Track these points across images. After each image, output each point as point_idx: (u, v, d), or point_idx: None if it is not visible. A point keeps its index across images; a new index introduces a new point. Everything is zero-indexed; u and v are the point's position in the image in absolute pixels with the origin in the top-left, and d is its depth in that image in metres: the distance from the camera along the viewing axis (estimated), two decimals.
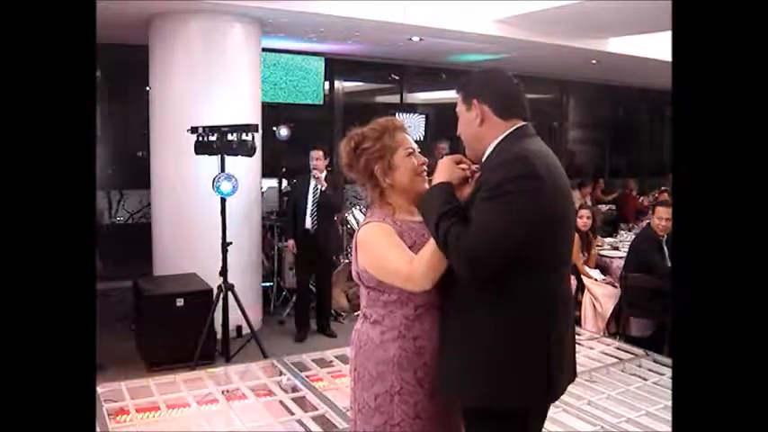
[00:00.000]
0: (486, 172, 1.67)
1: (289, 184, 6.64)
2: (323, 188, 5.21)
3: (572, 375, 1.82)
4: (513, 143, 1.68)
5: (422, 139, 7.62)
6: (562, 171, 1.70)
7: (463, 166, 1.76)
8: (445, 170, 1.74)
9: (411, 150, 1.88)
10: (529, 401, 1.68)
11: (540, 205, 1.57)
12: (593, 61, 7.07)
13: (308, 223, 5.28)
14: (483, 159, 1.73)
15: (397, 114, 6.70)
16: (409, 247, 1.75)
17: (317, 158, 5.21)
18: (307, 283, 5.44)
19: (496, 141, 1.70)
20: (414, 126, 7.51)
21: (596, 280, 5.05)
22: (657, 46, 6.58)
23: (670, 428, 2.44)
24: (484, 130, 1.72)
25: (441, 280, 1.66)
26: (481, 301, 1.65)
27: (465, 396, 1.71)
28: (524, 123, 1.73)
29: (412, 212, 1.84)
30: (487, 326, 1.64)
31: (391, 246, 1.75)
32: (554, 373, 1.67)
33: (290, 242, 5.36)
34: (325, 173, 5.25)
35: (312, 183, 5.28)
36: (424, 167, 1.88)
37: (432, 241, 1.65)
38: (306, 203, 5.28)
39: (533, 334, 1.65)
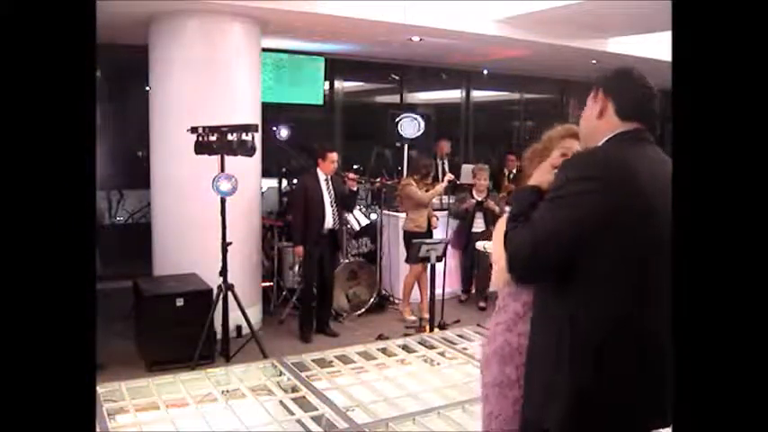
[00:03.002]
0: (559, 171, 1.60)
1: (289, 185, 6.64)
2: (349, 190, 5.48)
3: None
4: (615, 144, 1.58)
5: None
6: (663, 187, 1.43)
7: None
8: (538, 173, 1.73)
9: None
10: None
11: (598, 209, 1.46)
12: (593, 61, 7.07)
13: (330, 223, 5.32)
14: None
15: (396, 114, 6.71)
16: None
17: (336, 161, 5.39)
18: (314, 284, 5.44)
19: (605, 139, 1.61)
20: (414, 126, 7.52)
21: None
22: (657, 46, 6.59)
23: (670, 428, 2.43)
24: (600, 125, 1.63)
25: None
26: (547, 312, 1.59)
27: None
28: (639, 127, 1.60)
29: None
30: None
31: None
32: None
33: (299, 249, 5.30)
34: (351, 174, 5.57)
35: (324, 183, 5.31)
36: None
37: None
38: (323, 203, 5.30)
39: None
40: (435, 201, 5.97)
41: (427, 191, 5.81)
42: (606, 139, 1.60)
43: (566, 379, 1.49)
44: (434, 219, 5.96)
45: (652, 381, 1.51)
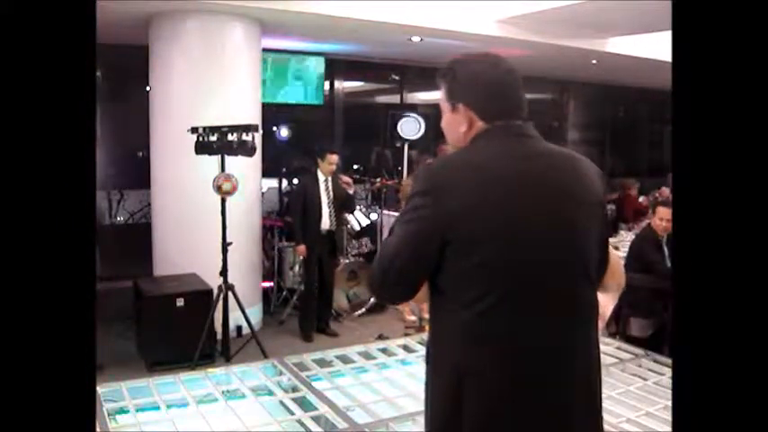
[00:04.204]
0: None
1: (290, 185, 6.64)
2: (346, 193, 5.49)
3: None
4: (466, 150, 1.50)
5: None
6: (521, 184, 1.40)
7: None
8: None
9: None
10: None
11: (433, 224, 1.37)
12: (593, 61, 7.08)
13: (327, 224, 5.31)
14: None
15: (396, 114, 6.71)
16: None
17: (336, 162, 5.39)
18: (314, 284, 5.44)
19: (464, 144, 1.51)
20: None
21: None
22: (657, 46, 6.59)
23: (670, 428, 2.43)
24: (471, 135, 1.51)
25: None
26: None
27: None
28: (501, 124, 1.47)
29: None
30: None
31: None
32: None
33: (301, 247, 5.32)
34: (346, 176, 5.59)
35: (323, 184, 5.31)
36: None
37: None
38: (320, 205, 5.30)
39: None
40: None
41: None
42: (469, 141, 1.51)
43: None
44: None
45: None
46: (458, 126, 1.52)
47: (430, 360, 1.53)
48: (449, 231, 1.36)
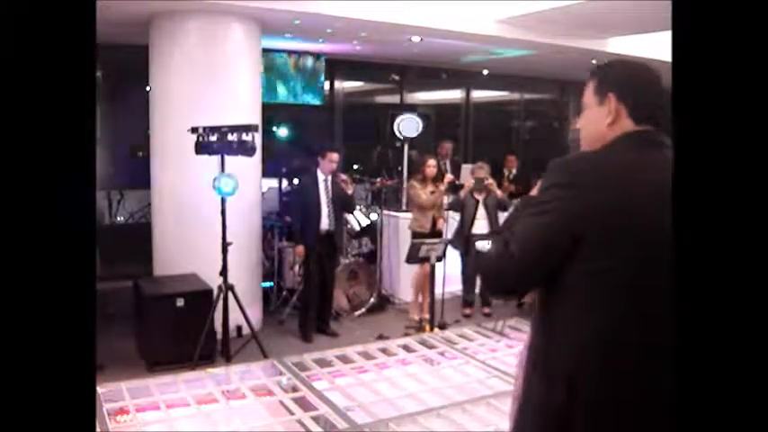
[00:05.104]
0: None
1: (290, 185, 6.64)
2: (349, 191, 5.45)
3: None
4: (612, 148, 1.46)
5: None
6: (658, 192, 1.34)
7: None
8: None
9: None
10: None
11: (569, 216, 1.35)
12: (593, 61, 7.07)
13: (326, 224, 5.31)
14: None
15: (396, 114, 6.71)
16: None
17: (336, 161, 5.37)
18: (314, 284, 5.43)
19: (607, 142, 1.47)
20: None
21: None
22: (657, 46, 6.59)
23: None
24: (612, 132, 1.47)
25: None
26: None
27: None
28: (649, 129, 1.45)
29: None
30: None
31: None
32: None
33: (300, 248, 5.30)
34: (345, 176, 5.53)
35: (322, 184, 5.31)
36: None
37: None
38: (320, 204, 5.30)
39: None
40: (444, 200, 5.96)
41: (432, 192, 5.83)
42: (610, 141, 1.47)
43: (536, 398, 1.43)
44: (440, 220, 5.95)
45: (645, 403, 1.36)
46: (603, 120, 1.48)
47: (536, 366, 1.45)
48: (581, 229, 1.34)
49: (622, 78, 1.50)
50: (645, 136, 1.45)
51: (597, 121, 1.49)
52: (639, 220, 1.35)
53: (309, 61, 7.30)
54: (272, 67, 6.94)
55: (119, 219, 7.10)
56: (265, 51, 6.09)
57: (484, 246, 1.49)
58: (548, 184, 1.41)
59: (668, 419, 1.21)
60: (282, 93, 7.15)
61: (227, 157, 4.27)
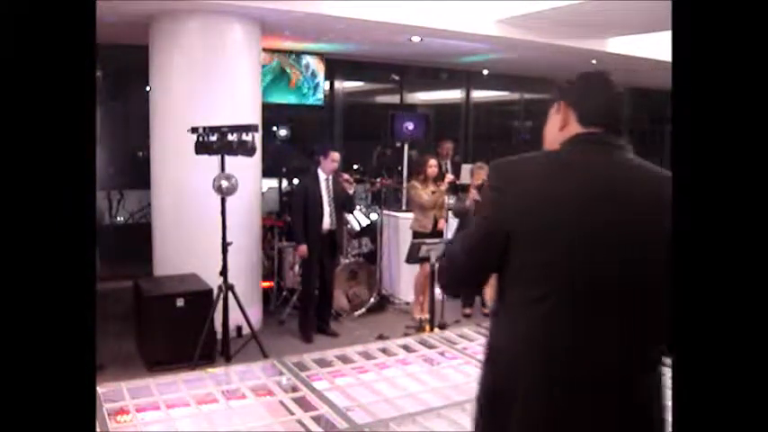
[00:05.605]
0: None
1: (290, 185, 6.64)
2: (350, 191, 5.48)
3: None
4: (556, 151, 1.56)
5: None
6: (603, 191, 1.44)
7: None
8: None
9: None
10: None
11: (503, 216, 1.47)
12: (593, 61, 7.07)
13: (328, 224, 5.31)
14: None
15: (396, 114, 6.71)
16: None
17: (338, 161, 5.38)
18: (315, 284, 5.43)
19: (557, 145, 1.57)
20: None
21: None
22: (657, 46, 6.59)
23: (670, 429, 2.43)
24: (562, 135, 1.57)
25: None
26: None
27: None
28: (596, 131, 1.53)
29: None
30: None
31: None
32: None
33: (303, 247, 5.28)
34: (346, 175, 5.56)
35: (324, 183, 5.31)
36: None
37: None
38: (321, 204, 5.30)
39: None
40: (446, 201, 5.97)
41: (433, 192, 5.83)
42: (560, 143, 1.56)
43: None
44: (442, 220, 5.95)
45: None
46: (555, 125, 1.62)
47: (488, 356, 1.58)
48: (511, 226, 1.45)
49: (575, 88, 1.64)
50: (591, 137, 1.54)
51: (552, 126, 1.63)
52: (568, 215, 1.43)
53: (309, 61, 7.30)
54: (272, 67, 6.94)
55: (119, 219, 7.10)
56: (265, 51, 6.09)
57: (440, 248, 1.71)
58: (486, 185, 1.60)
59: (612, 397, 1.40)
60: (282, 93, 7.15)
61: (227, 157, 4.27)
